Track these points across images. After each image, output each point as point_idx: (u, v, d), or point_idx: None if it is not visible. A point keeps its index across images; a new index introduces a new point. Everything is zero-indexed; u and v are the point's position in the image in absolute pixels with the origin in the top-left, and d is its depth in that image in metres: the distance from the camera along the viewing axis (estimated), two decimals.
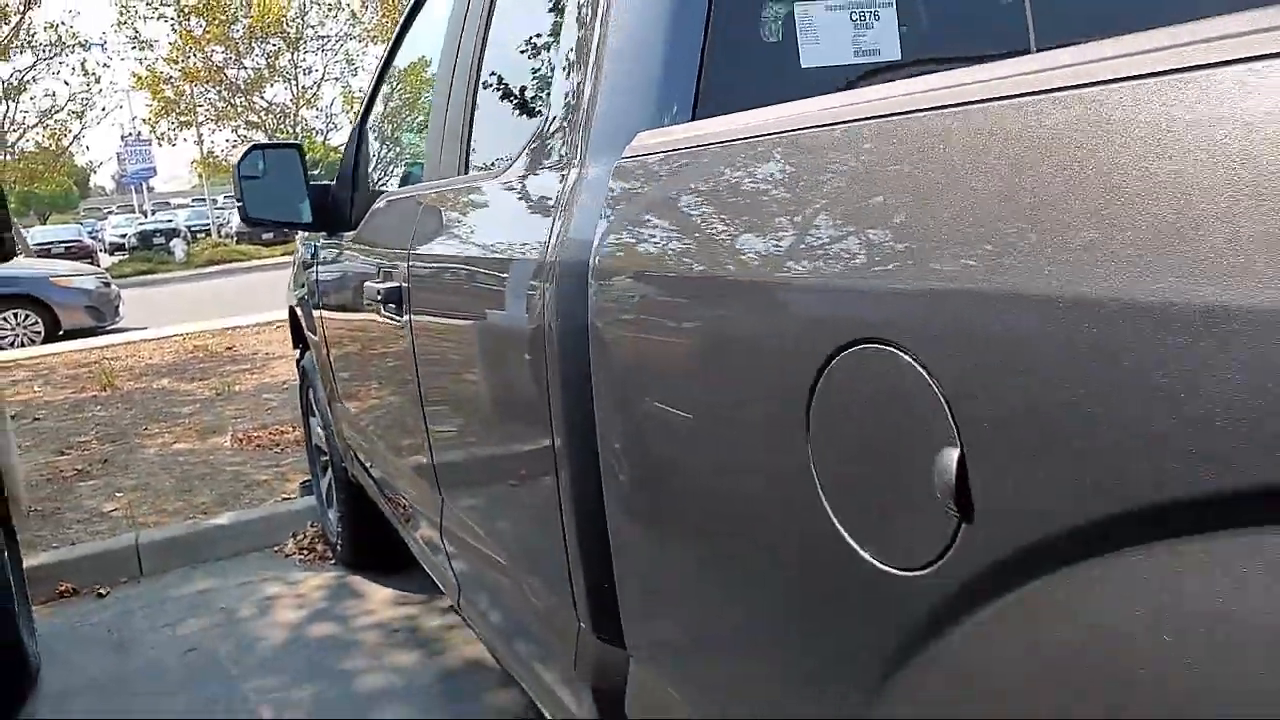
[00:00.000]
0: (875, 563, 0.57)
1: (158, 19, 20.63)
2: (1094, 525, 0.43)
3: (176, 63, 21.05)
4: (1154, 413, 0.40)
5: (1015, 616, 0.48)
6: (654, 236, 0.82)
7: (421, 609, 2.47)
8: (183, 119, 22.15)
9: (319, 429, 2.83)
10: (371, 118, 2.30)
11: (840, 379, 0.58)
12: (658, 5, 0.93)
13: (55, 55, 20.27)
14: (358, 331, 2.03)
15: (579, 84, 1.04)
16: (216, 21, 20.25)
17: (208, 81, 21.40)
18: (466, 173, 1.45)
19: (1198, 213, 0.39)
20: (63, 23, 20.64)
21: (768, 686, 0.72)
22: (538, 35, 1.23)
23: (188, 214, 28.94)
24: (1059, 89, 0.46)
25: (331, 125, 23.36)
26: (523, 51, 1.31)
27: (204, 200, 27.74)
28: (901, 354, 0.53)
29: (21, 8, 18.25)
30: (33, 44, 19.67)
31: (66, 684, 2.25)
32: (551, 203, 1.03)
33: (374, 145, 2.27)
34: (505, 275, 1.12)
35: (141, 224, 25.66)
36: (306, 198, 2.15)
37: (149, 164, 27.21)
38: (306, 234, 2.59)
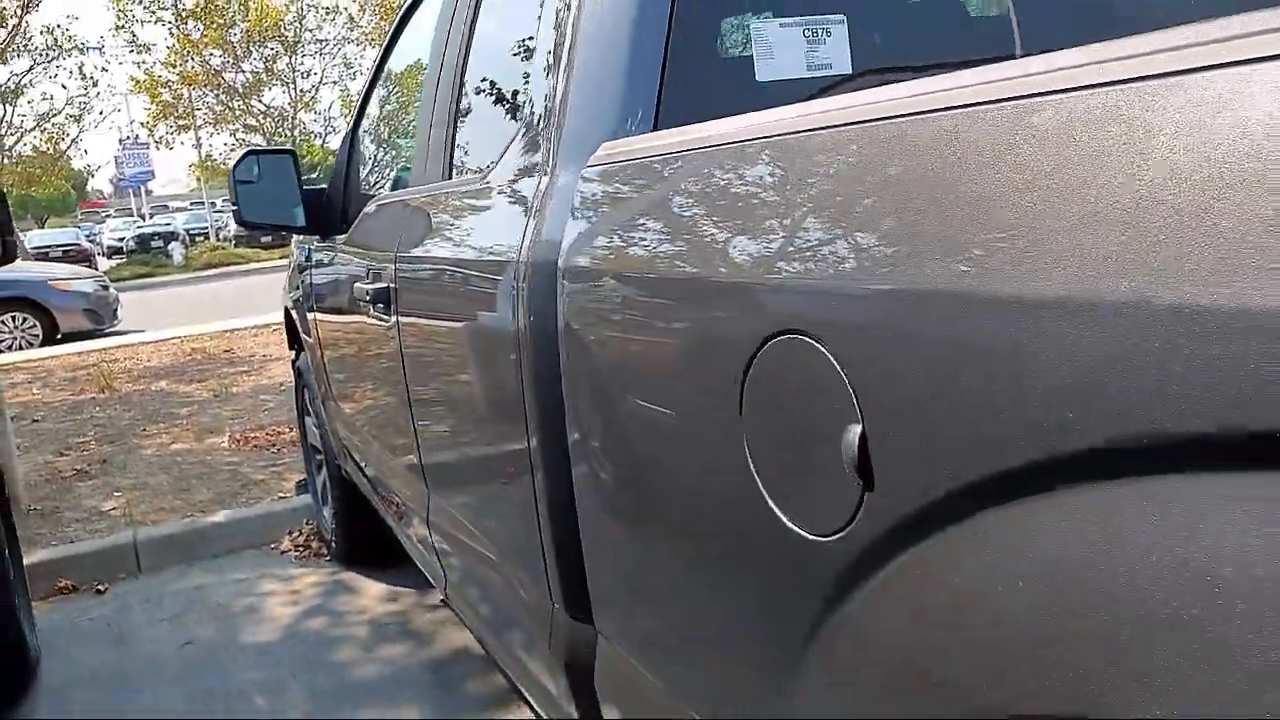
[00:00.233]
0: (799, 530, 0.64)
1: (156, 23, 20.73)
2: (970, 489, 0.50)
3: (174, 66, 21.12)
4: (1014, 393, 0.46)
5: (913, 570, 0.55)
6: (614, 239, 0.89)
7: (413, 603, 2.54)
8: (181, 122, 22.23)
9: (314, 428, 2.89)
10: (363, 123, 2.37)
11: (767, 366, 0.65)
12: (621, 26, 0.99)
13: (53, 59, 20.33)
14: (349, 332, 2.10)
15: (551, 96, 1.10)
16: (214, 25, 20.32)
17: (206, 85, 21.47)
18: (450, 178, 1.51)
19: (1047, 216, 0.45)
20: (59, 26, 20.64)
21: (714, 651, 0.78)
22: (515, 50, 1.30)
23: (186, 217, 29.01)
24: (924, 111, 0.53)
25: (329, 128, 23.45)
26: (501, 64, 1.38)
27: (202, 204, 27.81)
28: (815, 344, 0.60)
29: (19, 11, 18.32)
30: (30, 48, 19.73)
31: (65, 677, 2.31)
32: (525, 207, 1.09)
33: (365, 150, 2.33)
34: (483, 276, 1.18)
35: (140, 227, 25.73)
36: (300, 201, 2.22)
37: (147, 167, 27.29)
38: (301, 237, 2.66)
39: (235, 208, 2.18)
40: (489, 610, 1.44)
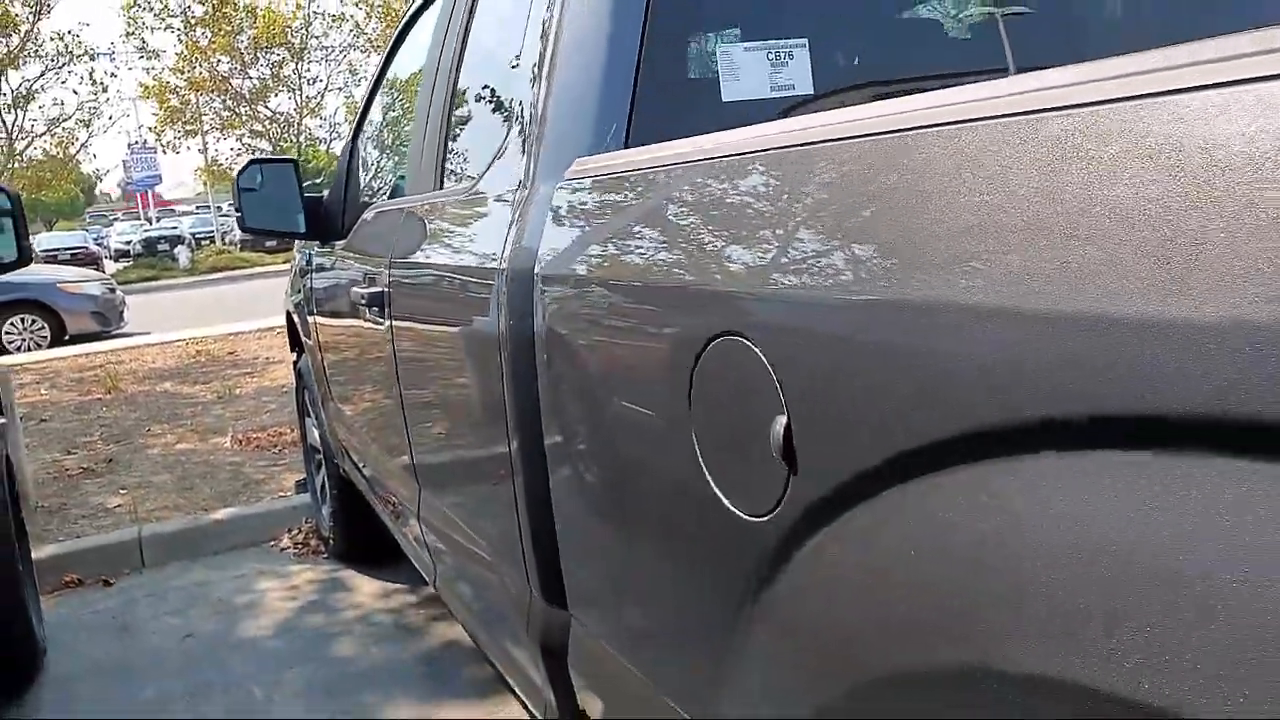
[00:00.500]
0: (739, 513, 0.71)
1: (165, 30, 20.89)
2: (875, 471, 0.57)
3: (183, 72, 21.31)
4: (911, 387, 0.53)
5: (833, 544, 0.62)
6: (583, 248, 0.96)
7: (407, 599, 2.61)
8: (188, 127, 22.41)
9: (314, 428, 2.97)
10: (363, 132, 2.45)
11: (710, 364, 0.72)
12: (596, 49, 1.07)
13: (64, 65, 20.53)
14: (347, 335, 2.17)
15: (533, 112, 1.18)
16: (222, 32, 20.51)
17: (213, 91, 21.65)
18: (442, 187, 1.59)
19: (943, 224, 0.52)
20: (70, 33, 20.88)
21: (670, 626, 0.85)
22: (502, 65, 1.37)
23: (192, 221, 29.20)
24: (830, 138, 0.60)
25: (335, 134, 23.60)
26: (489, 79, 1.46)
27: (208, 207, 27.98)
28: (749, 344, 0.67)
29: (31, 18, 18.52)
30: (41, 54, 19.94)
31: (71, 667, 2.38)
32: (507, 217, 1.17)
33: (364, 159, 2.41)
34: (470, 282, 1.25)
35: (147, 231, 25.91)
36: (301, 208, 2.30)
37: (155, 171, 27.48)
38: (302, 243, 2.74)
39: (239, 214, 2.26)
40: (475, 600, 1.51)
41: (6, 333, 9.11)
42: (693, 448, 0.75)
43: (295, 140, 22.47)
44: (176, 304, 13.11)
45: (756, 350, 0.66)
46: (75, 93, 37.49)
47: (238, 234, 22.38)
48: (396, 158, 2.15)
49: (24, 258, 2.22)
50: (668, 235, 0.81)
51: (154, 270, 19.36)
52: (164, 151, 23.65)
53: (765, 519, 0.67)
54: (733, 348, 0.69)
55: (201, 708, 2.13)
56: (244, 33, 20.97)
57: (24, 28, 18.77)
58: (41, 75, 20.41)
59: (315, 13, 22.36)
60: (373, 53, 21.74)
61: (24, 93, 20.37)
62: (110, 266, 20.65)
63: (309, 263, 2.61)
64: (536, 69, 1.19)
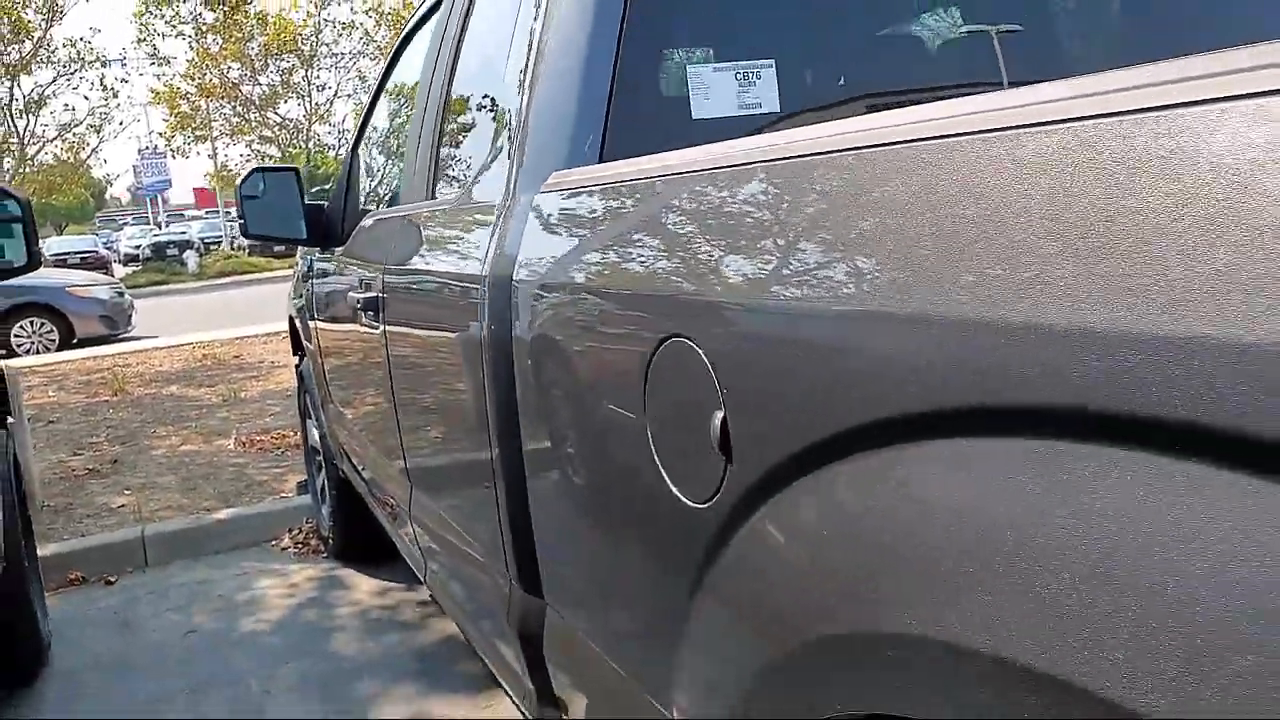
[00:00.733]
0: (687, 501, 0.76)
1: (176, 36, 21.12)
2: (796, 458, 0.63)
3: (193, 78, 21.51)
4: (827, 383, 0.59)
5: (765, 526, 0.68)
6: (555, 256, 1.03)
7: (402, 596, 2.67)
8: (198, 133, 22.61)
9: (314, 430, 3.03)
10: (363, 141, 2.52)
11: (661, 363, 0.78)
12: (573, 68, 1.13)
13: (75, 71, 20.77)
14: (345, 339, 2.24)
15: (515, 126, 1.24)
16: (233, 39, 20.71)
17: (223, 97, 21.85)
18: (434, 196, 1.65)
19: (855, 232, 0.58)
20: (82, 39, 21.11)
21: (629, 611, 0.91)
22: (489, 80, 1.44)
23: (201, 226, 29.41)
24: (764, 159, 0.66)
25: (343, 141, 23.74)
26: (478, 92, 1.52)
27: (217, 212, 28.20)
28: (693, 345, 0.73)
29: (44, 25, 18.74)
30: (53, 60, 20.18)
31: (75, 661, 2.45)
32: (490, 227, 1.23)
33: (364, 167, 2.48)
34: (456, 289, 1.32)
35: (156, 235, 26.12)
36: (302, 215, 2.36)
37: (165, 176, 27.71)
38: (304, 248, 2.81)
39: (241, 220, 2.33)
40: (461, 592, 1.57)
41: (16, 336, 9.22)
42: (648, 442, 0.81)
43: (304, 146, 22.66)
44: (185, 308, 13.23)
45: (699, 351, 0.72)
46: (86, 98, 37.79)
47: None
48: (394, 166, 2.22)
49: (33, 262, 2.29)
50: (627, 245, 0.87)
51: (163, 274, 19.53)
52: (174, 157, 23.86)
53: (707, 505, 0.73)
54: (680, 349, 0.75)
55: (201, 700, 2.19)
56: (254, 40, 21.17)
57: (37, 34, 19.01)
58: (54, 81, 20.67)
59: (326, 20, 22.50)
60: (382, 60, 21.88)
61: (36, 98, 20.61)
62: (119, 271, 20.82)
63: (310, 268, 2.68)
64: (521, 84, 1.25)
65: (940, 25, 1.31)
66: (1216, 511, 0.37)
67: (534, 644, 1.19)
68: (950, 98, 0.57)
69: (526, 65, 1.23)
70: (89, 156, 23.38)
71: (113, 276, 14.43)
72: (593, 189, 0.98)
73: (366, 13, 22.05)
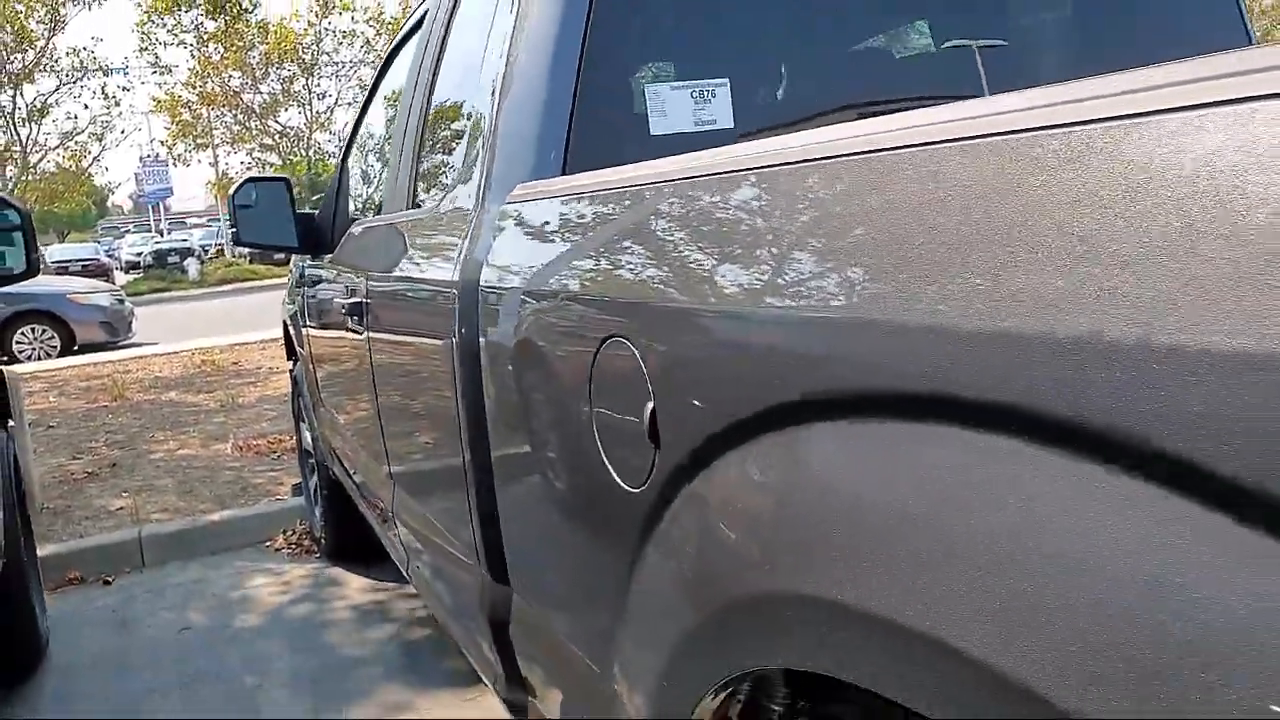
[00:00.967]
0: (625, 486, 0.84)
1: (178, 45, 21.26)
2: (710, 441, 0.70)
3: (194, 87, 21.66)
4: (734, 375, 0.66)
5: (688, 505, 0.75)
6: (516, 264, 1.10)
7: (391, 594, 2.73)
8: (199, 141, 22.76)
9: (307, 433, 3.11)
10: (353, 151, 2.60)
11: (603, 362, 0.85)
12: (537, 88, 1.21)
13: (78, 80, 20.92)
14: (334, 344, 2.31)
15: (485, 140, 1.32)
16: (234, 48, 20.85)
17: (224, 105, 22.00)
18: (414, 206, 1.73)
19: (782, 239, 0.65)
20: (84, 48, 21.30)
21: (580, 590, 0.98)
22: (464, 95, 1.52)
23: (202, 233, 29.57)
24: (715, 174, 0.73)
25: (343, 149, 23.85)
26: (454, 106, 1.60)
27: (218, 220, 28.35)
28: (628, 344, 0.80)
29: (47, 34, 18.89)
30: (55, 68, 20.33)
31: (72, 658, 2.52)
32: (462, 235, 1.30)
33: (352, 177, 2.56)
34: (430, 294, 1.39)
35: (157, 243, 26.26)
36: (293, 224, 2.44)
37: (166, 184, 27.88)
38: (297, 256, 2.88)
39: (234, 229, 2.41)
40: (439, 585, 1.64)
41: (17, 342, 9.31)
42: (594, 435, 0.88)
43: (305, 154, 22.78)
44: (185, 315, 13.32)
45: (632, 349, 0.79)
46: (88, 107, 38.05)
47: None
48: (380, 176, 2.29)
49: (32, 269, 2.37)
50: (578, 253, 0.95)
51: (164, 282, 19.64)
52: (175, 165, 24.01)
53: (640, 489, 0.80)
54: (618, 348, 0.82)
55: (195, 695, 2.26)
56: (256, 48, 21.32)
57: (39, 43, 19.16)
58: (56, 90, 20.82)
59: (326, 29, 22.67)
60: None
61: (38, 106, 20.76)
62: (121, 278, 20.94)
63: (302, 275, 2.76)
64: (491, 98, 1.33)
65: (890, 44, 1.38)
66: (1017, 478, 0.45)
67: (502, 629, 1.26)
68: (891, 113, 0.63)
69: (498, 81, 1.30)
70: (91, 164, 23.52)
71: (114, 284, 14.52)
72: (551, 199, 1.05)
73: (367, 22, 22.23)
